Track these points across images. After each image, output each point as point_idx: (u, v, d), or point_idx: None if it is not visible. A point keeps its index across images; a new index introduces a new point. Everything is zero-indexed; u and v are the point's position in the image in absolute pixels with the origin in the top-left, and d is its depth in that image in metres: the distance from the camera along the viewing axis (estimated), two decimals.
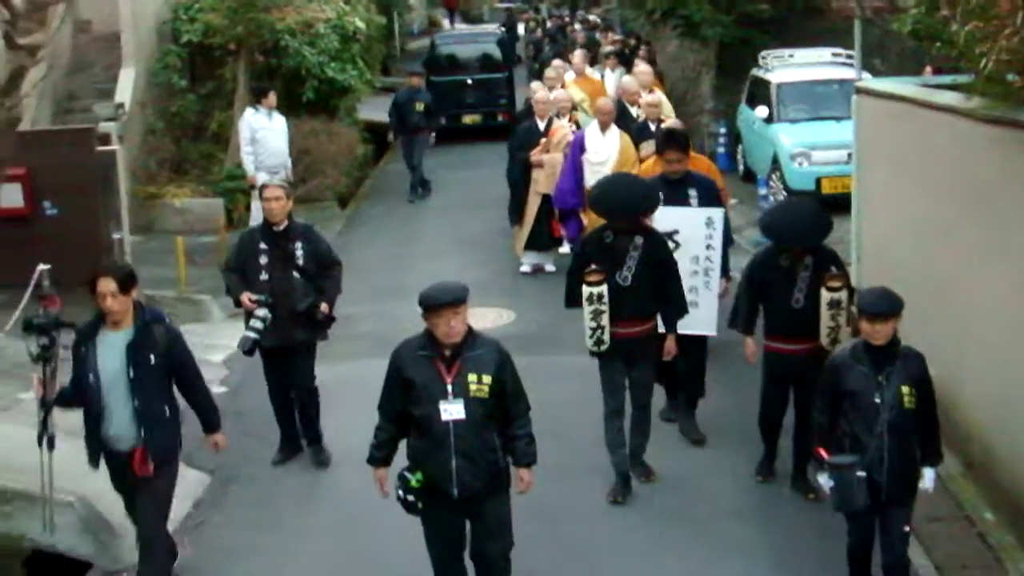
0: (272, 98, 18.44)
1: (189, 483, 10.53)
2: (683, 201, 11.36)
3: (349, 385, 12.73)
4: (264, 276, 10.68)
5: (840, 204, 15.04)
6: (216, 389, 12.39)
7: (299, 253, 10.74)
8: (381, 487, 8.04)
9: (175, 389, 8.66)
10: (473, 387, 7.65)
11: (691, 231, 11.23)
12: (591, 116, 17.14)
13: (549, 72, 20.56)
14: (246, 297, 10.63)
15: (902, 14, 14.37)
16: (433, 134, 23.51)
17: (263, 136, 18.19)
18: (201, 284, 16.43)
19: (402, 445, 7.98)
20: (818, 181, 18.60)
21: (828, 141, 18.39)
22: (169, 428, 8.55)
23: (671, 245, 10.81)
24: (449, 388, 7.64)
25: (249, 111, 18.40)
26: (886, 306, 7.99)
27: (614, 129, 15.55)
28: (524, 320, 14.85)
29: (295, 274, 10.73)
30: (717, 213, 11.35)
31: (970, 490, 10.06)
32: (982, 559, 9.28)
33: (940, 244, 10.99)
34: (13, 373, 12.18)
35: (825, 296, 9.72)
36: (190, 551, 9.63)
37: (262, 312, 10.46)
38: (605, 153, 15.32)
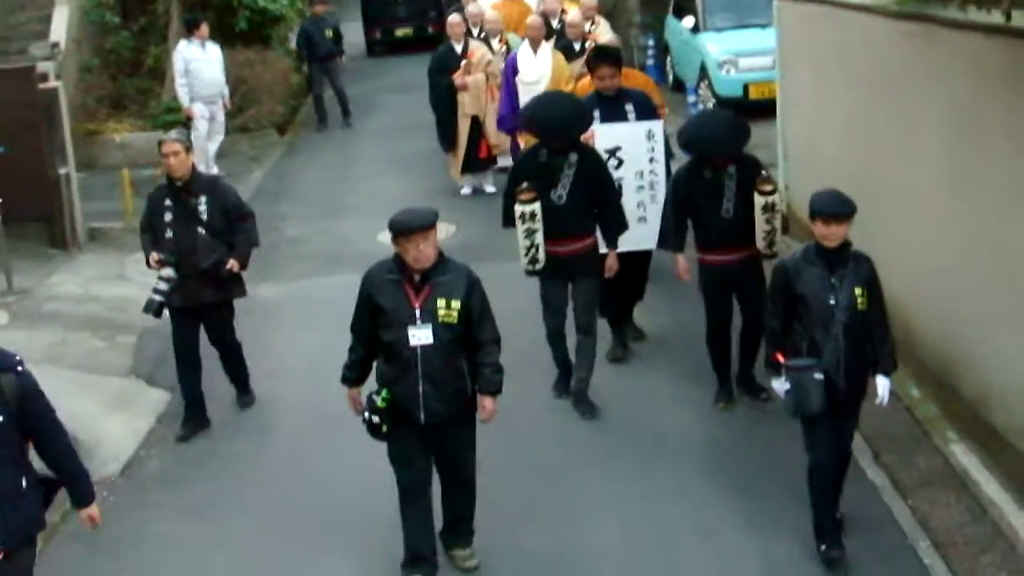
0: (204, 29, 18.65)
1: (153, 400, 11.16)
2: (621, 117, 11.18)
3: (298, 303, 13.28)
4: (169, 234, 10.14)
5: (767, 109, 15.56)
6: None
7: (203, 208, 10.18)
8: (354, 406, 8.04)
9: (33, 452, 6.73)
10: (442, 312, 7.60)
11: (632, 146, 11.08)
12: (520, 38, 16.58)
13: None
14: (152, 256, 10.16)
15: None
16: (343, 58, 23.33)
17: (196, 67, 18.46)
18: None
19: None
20: (745, 87, 19.05)
21: (754, 48, 18.73)
22: (26, 504, 6.57)
23: (614, 162, 10.84)
24: (417, 313, 7.59)
25: (182, 43, 18.61)
26: (841, 207, 7.93)
27: (545, 47, 15.39)
28: (465, 232, 15.05)
29: (200, 230, 10.16)
30: (656, 125, 11.22)
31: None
32: (911, 432, 9.69)
33: (861, 140, 11.45)
34: None
35: (759, 200, 9.71)
36: (156, 462, 10.07)
37: (167, 272, 10.03)
38: (537, 72, 15.16)
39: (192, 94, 18.43)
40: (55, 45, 19.18)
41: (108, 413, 10.70)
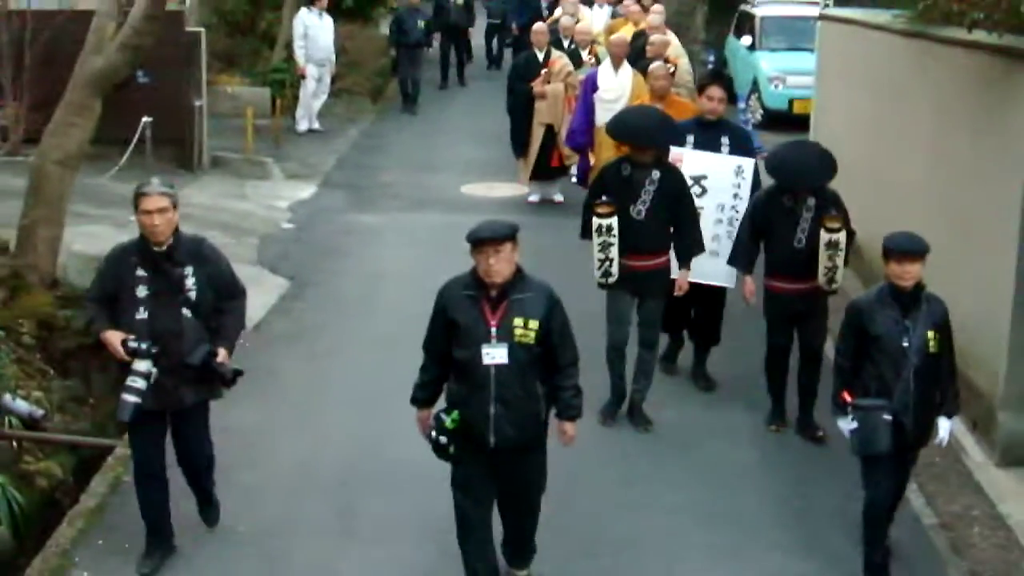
0: (324, 0, 21.40)
1: (276, 282, 13.70)
2: (714, 147, 10.99)
3: (395, 230, 15.94)
4: (142, 314, 7.78)
5: (807, 122, 17.68)
6: (285, 226, 15.91)
7: (190, 282, 7.88)
8: (422, 428, 7.76)
9: None
10: (519, 331, 7.29)
11: (719, 178, 10.90)
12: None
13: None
14: (116, 340, 7.75)
15: None
16: (429, 50, 25.53)
17: (314, 33, 21.26)
18: (259, 153, 19.28)
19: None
20: (791, 102, 21.76)
21: (801, 68, 20.83)
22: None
23: (697, 190, 10.73)
24: (493, 331, 7.29)
25: (303, 10, 21.34)
26: (914, 246, 7.92)
27: (627, 66, 15.34)
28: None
29: (185, 312, 7.85)
30: (748, 163, 10.98)
31: None
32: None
33: (875, 142, 13.60)
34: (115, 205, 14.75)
35: (823, 236, 9.69)
36: (281, 325, 12.54)
37: (143, 366, 7.70)
38: (618, 91, 15.09)
39: (307, 56, 21.18)
40: (183, 0, 21.74)
41: None
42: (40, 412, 9.85)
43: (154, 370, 7.72)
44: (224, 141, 19.34)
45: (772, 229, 10.08)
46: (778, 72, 22.16)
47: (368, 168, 19.21)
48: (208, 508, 8.57)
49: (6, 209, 12.31)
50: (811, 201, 9.91)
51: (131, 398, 7.68)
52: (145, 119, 15.71)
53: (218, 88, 22.75)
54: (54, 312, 11.17)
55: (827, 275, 9.83)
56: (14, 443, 9.58)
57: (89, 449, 9.93)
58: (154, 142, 16.69)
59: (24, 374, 10.29)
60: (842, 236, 9.72)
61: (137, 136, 15.80)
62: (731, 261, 10.59)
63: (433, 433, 7.50)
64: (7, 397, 9.65)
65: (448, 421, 7.41)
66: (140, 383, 7.68)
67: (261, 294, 13.10)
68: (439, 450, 7.53)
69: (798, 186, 9.94)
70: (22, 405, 9.76)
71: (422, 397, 7.76)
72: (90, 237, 13.03)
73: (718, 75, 11.79)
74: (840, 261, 9.80)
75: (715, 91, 11.04)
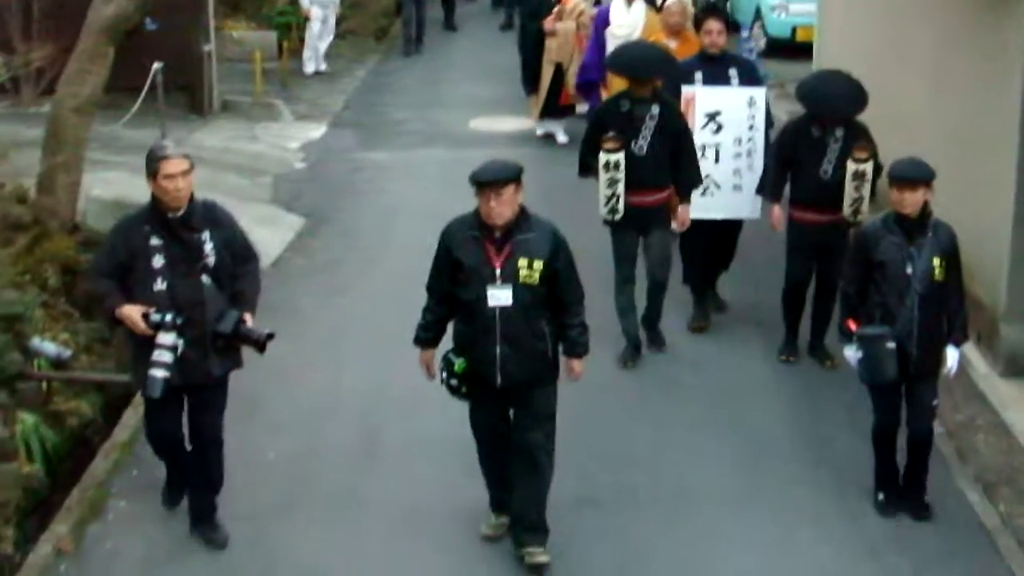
0: None
1: (291, 220, 13.99)
2: (723, 81, 10.94)
3: (404, 165, 16.26)
4: (160, 285, 7.47)
5: (810, 49, 17.62)
6: (298, 166, 16.19)
7: (208, 248, 7.58)
8: (427, 370, 7.85)
9: None
10: (523, 272, 7.29)
11: (733, 112, 10.87)
12: None
13: None
14: (137, 314, 7.41)
15: None
16: None
17: None
18: (268, 96, 19.47)
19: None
20: (793, 30, 21.77)
21: None
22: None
23: (713, 127, 10.78)
24: (497, 272, 7.30)
25: None
26: (914, 173, 7.92)
27: (639, 2, 15.07)
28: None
29: (205, 279, 7.56)
30: (759, 93, 10.99)
31: None
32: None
33: (879, 65, 13.33)
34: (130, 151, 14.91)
35: (851, 167, 9.65)
36: (299, 262, 12.83)
37: (169, 339, 7.39)
38: (630, 26, 14.77)
39: None
40: None
41: (258, 226, 13.15)
42: (67, 353, 10.04)
43: (180, 342, 7.43)
44: (233, 85, 19.51)
45: (799, 159, 10.04)
46: (780, 0, 22.19)
47: (376, 107, 19.38)
48: (211, 526, 8.07)
49: (23, 159, 12.50)
50: (839, 132, 9.88)
51: (160, 373, 7.39)
52: (156, 65, 15.85)
53: (224, 33, 22.91)
54: (76, 256, 11.34)
55: (852, 206, 9.79)
56: (44, 384, 9.82)
57: (116, 388, 10.17)
58: (164, 88, 16.86)
59: (50, 317, 10.51)
60: (869, 167, 9.70)
61: (149, 83, 15.95)
62: (759, 190, 10.63)
63: (444, 375, 7.59)
64: (35, 339, 9.84)
65: (457, 365, 7.51)
66: (167, 357, 7.39)
67: (277, 232, 13.42)
68: (453, 391, 7.64)
69: (828, 115, 9.91)
70: (50, 347, 9.94)
71: (425, 337, 7.81)
72: (107, 183, 13.29)
73: (713, 8, 11.75)
74: (866, 192, 9.77)
75: (713, 24, 10.97)
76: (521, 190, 7.37)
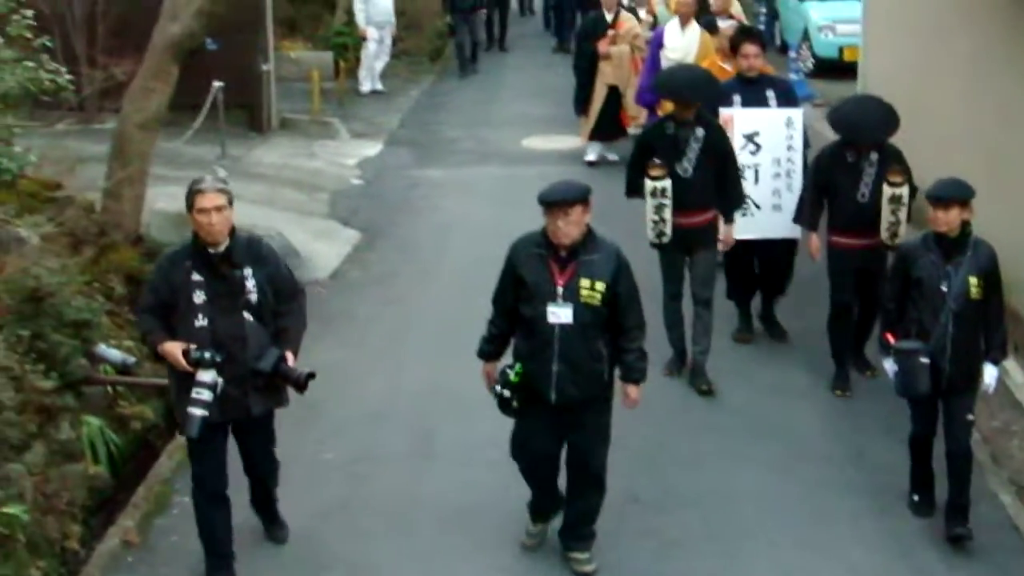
0: None
1: (349, 234, 14.32)
2: (761, 103, 11.08)
3: (458, 182, 16.57)
4: (202, 321, 7.41)
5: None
6: (355, 182, 16.53)
7: (250, 284, 7.50)
8: (488, 380, 7.92)
9: None
10: (585, 292, 7.36)
11: (771, 133, 10.96)
12: (670, 13, 16.71)
13: None
14: (178, 351, 7.35)
15: None
16: (483, 11, 25.28)
17: None
18: (326, 114, 19.88)
19: None
20: (840, 50, 21.92)
21: (850, 16, 20.95)
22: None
23: (752, 147, 10.88)
24: (559, 291, 7.38)
25: None
26: (947, 192, 7.98)
27: (694, 24, 15.12)
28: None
29: (247, 315, 7.49)
30: (796, 114, 11.11)
31: None
32: None
33: (919, 79, 13.84)
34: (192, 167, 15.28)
35: (887, 191, 9.68)
36: (355, 274, 13.20)
37: (208, 376, 7.32)
38: (683, 49, 14.89)
39: (367, 18, 21.66)
40: None
41: (316, 240, 13.85)
42: (132, 359, 10.25)
43: (220, 380, 7.35)
44: (291, 104, 19.92)
45: (835, 184, 10.04)
46: (827, 21, 22.37)
47: (431, 125, 19.80)
48: (274, 527, 8.35)
49: (89, 173, 12.85)
50: (873, 156, 9.89)
51: (198, 411, 7.31)
52: (216, 84, 16.28)
53: (282, 53, 23.35)
54: (140, 267, 11.65)
55: (890, 230, 9.79)
56: (109, 388, 10.13)
57: None
58: (224, 106, 17.27)
59: (115, 325, 10.80)
60: (905, 190, 9.72)
61: (209, 101, 16.38)
62: (796, 219, 10.61)
63: (498, 387, 7.62)
64: (101, 346, 10.07)
65: (512, 375, 7.54)
66: (206, 395, 7.31)
67: (335, 245, 13.77)
68: (503, 405, 7.66)
69: (860, 140, 9.92)
70: (115, 353, 10.15)
71: (488, 350, 7.93)
72: (170, 197, 13.52)
73: (749, 32, 11.80)
74: (903, 216, 9.77)
75: (749, 48, 11.10)
76: (589, 211, 7.46)
